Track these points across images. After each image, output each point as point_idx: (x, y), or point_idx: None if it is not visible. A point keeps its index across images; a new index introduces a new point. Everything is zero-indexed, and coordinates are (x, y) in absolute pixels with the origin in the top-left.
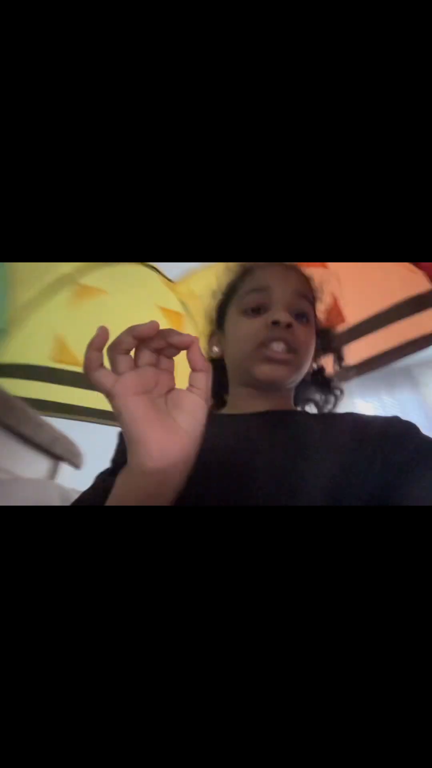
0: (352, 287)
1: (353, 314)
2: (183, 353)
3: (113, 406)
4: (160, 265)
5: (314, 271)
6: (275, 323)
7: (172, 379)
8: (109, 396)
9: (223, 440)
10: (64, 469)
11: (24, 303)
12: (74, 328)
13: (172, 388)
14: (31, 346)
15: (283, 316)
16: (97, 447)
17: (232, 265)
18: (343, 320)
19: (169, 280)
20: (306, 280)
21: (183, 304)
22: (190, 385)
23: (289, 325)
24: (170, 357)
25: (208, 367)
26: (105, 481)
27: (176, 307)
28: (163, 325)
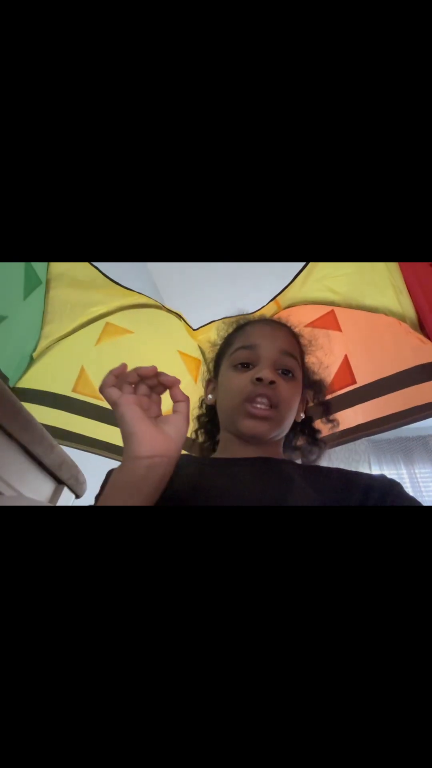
0: (362, 351)
1: (362, 377)
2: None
3: (116, 413)
4: (184, 313)
5: (317, 332)
6: (259, 380)
7: (160, 409)
8: (114, 405)
9: (220, 480)
10: (66, 495)
11: (54, 336)
12: (98, 362)
13: (159, 415)
14: (53, 375)
15: (267, 374)
16: (99, 477)
17: (228, 319)
18: (353, 381)
19: (191, 327)
20: (293, 338)
21: (201, 350)
22: (174, 411)
23: (272, 382)
24: (159, 394)
25: (187, 398)
26: None
27: (195, 353)
28: (181, 367)
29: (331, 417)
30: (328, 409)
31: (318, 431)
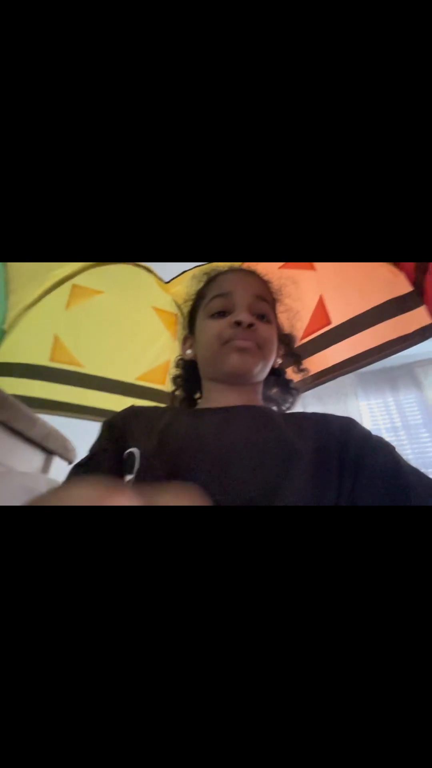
0: (336, 290)
1: (337, 316)
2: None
3: None
4: (153, 266)
5: (290, 273)
6: (238, 323)
7: None
8: None
9: (204, 429)
10: (57, 463)
11: (21, 305)
12: (71, 328)
13: None
14: (28, 346)
15: (246, 317)
16: (89, 442)
17: (198, 273)
18: (328, 322)
19: (162, 280)
20: (265, 284)
21: (177, 304)
22: None
23: (250, 325)
24: None
25: None
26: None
27: (170, 307)
28: (158, 324)
29: (302, 367)
30: (298, 359)
31: (290, 381)
